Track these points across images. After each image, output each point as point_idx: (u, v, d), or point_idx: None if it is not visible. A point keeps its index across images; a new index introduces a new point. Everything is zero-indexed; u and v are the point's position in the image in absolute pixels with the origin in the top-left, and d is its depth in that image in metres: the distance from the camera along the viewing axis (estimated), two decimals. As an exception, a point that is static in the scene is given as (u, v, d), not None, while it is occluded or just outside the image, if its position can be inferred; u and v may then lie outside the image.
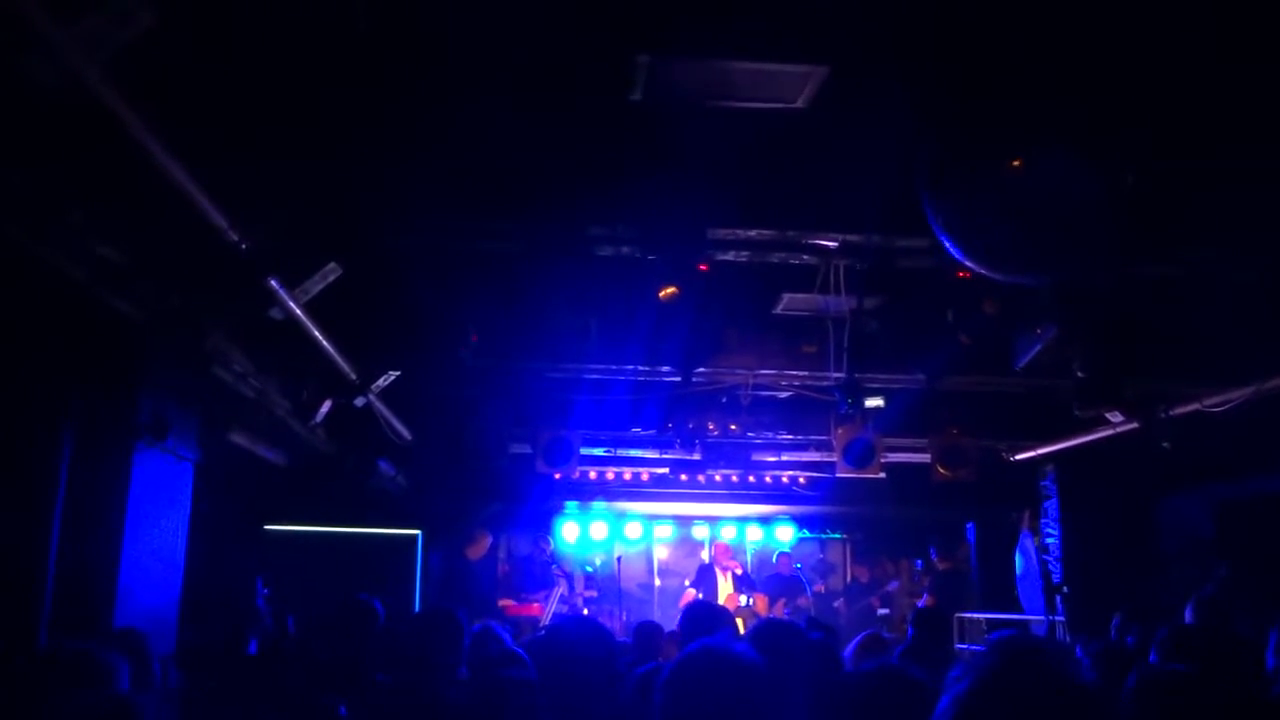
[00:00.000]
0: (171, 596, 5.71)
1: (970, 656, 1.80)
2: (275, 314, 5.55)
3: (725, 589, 12.26)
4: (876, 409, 7.60)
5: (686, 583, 13.05)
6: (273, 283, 5.11)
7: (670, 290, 5.53)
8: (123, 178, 4.02)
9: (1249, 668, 4.21)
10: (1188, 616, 6.64)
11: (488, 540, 11.61)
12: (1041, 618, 10.29)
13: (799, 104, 4.18)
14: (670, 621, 7.49)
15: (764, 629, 3.48)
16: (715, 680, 2.26)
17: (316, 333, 6.06)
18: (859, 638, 4.53)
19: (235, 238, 4.56)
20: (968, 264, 3.83)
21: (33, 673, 3.38)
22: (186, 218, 4.33)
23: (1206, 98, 4.17)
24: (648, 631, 5.85)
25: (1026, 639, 1.91)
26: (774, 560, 13.63)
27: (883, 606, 13.21)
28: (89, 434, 4.84)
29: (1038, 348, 5.84)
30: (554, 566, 12.68)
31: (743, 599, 12.54)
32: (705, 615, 4.67)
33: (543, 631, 8.17)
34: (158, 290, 4.95)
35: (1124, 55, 3.81)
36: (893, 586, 13.57)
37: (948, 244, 3.75)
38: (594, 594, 13.13)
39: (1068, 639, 9.36)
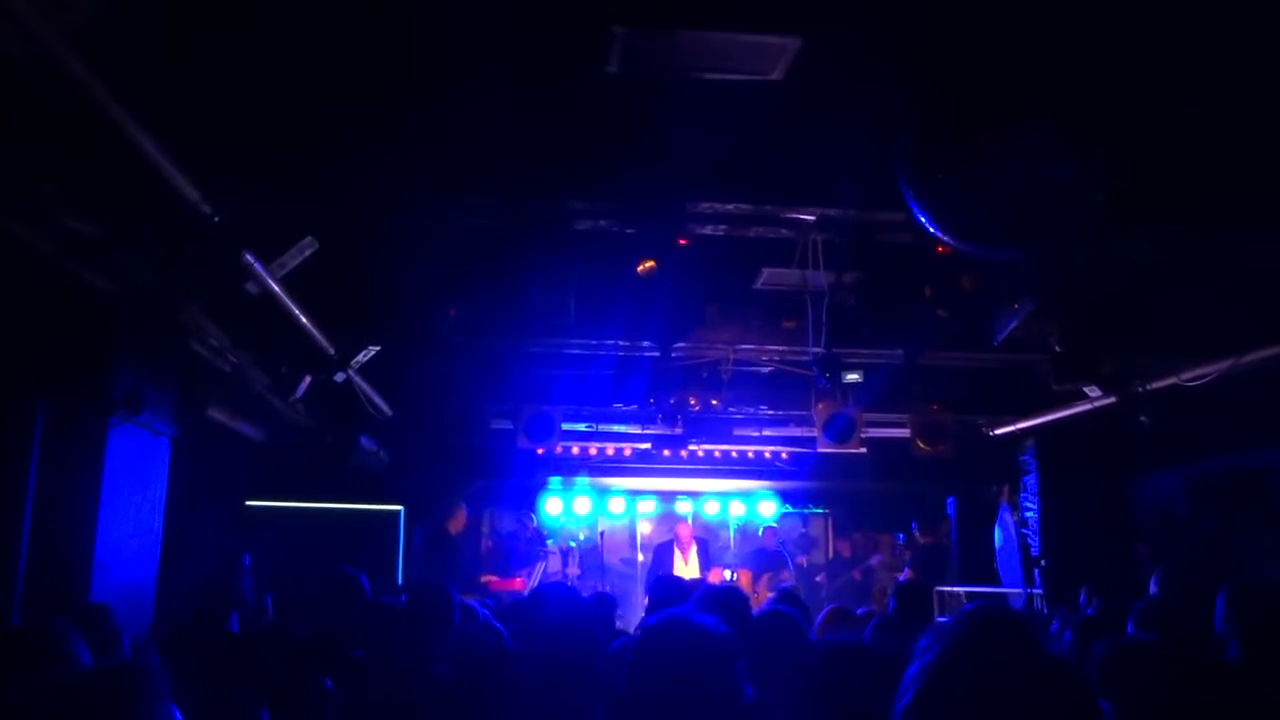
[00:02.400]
0: (149, 573, 5.69)
1: (940, 625, 1.79)
2: (251, 288, 5.51)
3: (687, 570, 12.21)
4: (855, 384, 7.61)
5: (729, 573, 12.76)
6: (248, 257, 5.07)
7: (648, 264, 5.51)
8: (93, 150, 3.97)
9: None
10: (1152, 589, 6.74)
11: (464, 512, 11.61)
12: (1020, 590, 10.40)
13: (775, 76, 4.16)
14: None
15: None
16: (680, 649, 2.29)
17: (294, 308, 6.03)
18: (824, 611, 4.56)
19: (208, 211, 4.52)
20: (944, 239, 3.84)
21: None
22: (159, 191, 4.29)
23: (1183, 74, 4.17)
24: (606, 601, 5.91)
25: (997, 608, 1.91)
26: (760, 534, 13.69)
27: (863, 580, 13.32)
28: (62, 409, 4.81)
29: (1015, 322, 5.86)
30: (547, 540, 12.72)
31: (726, 573, 12.61)
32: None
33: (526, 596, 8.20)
34: (131, 264, 4.91)
35: (1099, 32, 3.81)
36: (875, 560, 13.67)
37: (924, 219, 3.74)
38: (577, 573, 13.16)
39: (1045, 611, 9.48)
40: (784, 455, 12.17)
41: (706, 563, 12.32)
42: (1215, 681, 2.81)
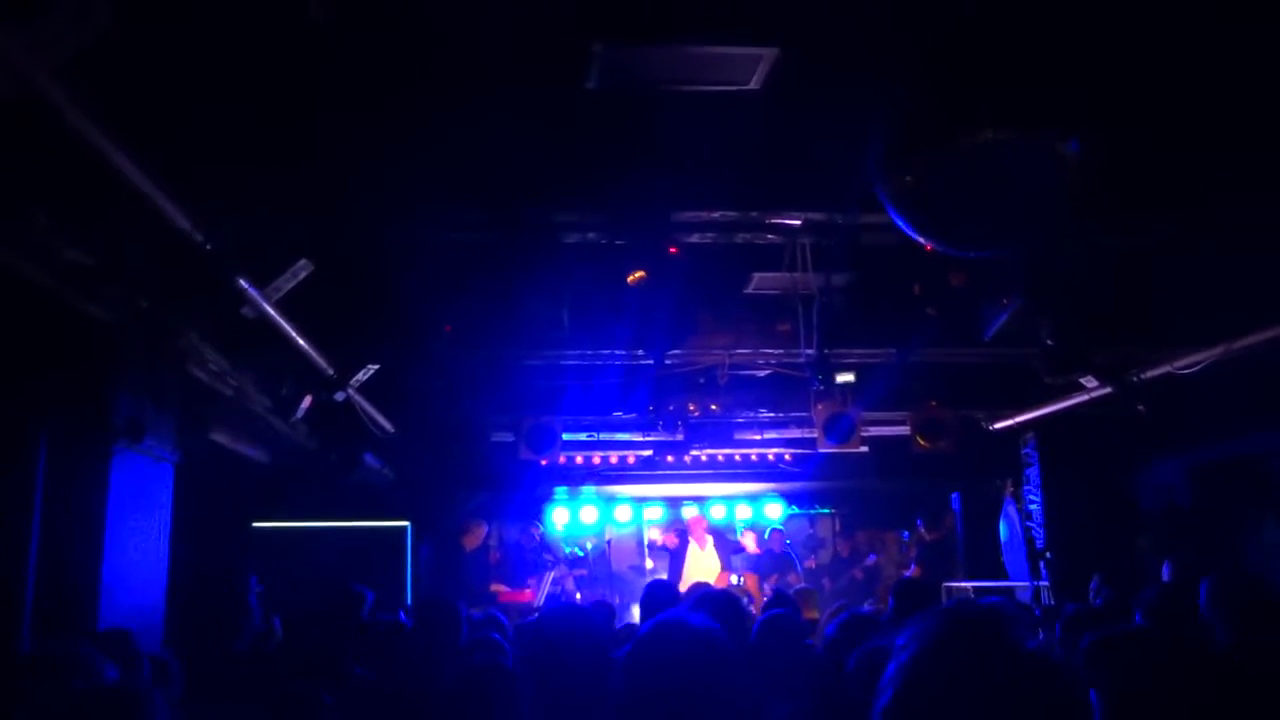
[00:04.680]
0: (156, 597, 5.75)
1: (918, 622, 1.80)
2: (247, 313, 5.58)
3: (704, 557, 12.18)
4: (848, 384, 7.65)
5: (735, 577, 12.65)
6: (241, 282, 5.14)
7: (638, 274, 5.56)
8: (83, 182, 4.04)
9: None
10: (1165, 576, 6.77)
11: (483, 530, 11.68)
12: (1026, 584, 10.43)
13: (753, 85, 4.21)
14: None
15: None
16: (677, 651, 2.31)
17: (290, 330, 6.10)
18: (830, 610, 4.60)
19: (200, 238, 4.58)
20: (919, 240, 3.88)
21: (18, 671, 3.42)
22: (150, 220, 4.35)
23: (1160, 66, 4.21)
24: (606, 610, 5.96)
25: (976, 605, 1.94)
26: (766, 536, 13.70)
27: (865, 578, 13.33)
28: (65, 437, 4.87)
29: (1005, 317, 5.90)
30: (545, 553, 12.76)
31: (733, 578, 12.62)
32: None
33: (535, 617, 8.25)
34: (128, 292, 4.97)
35: (1072, 25, 3.85)
36: (871, 560, 13.68)
37: (899, 221, 3.79)
38: (584, 572, 13.21)
39: (1052, 603, 9.51)
40: (787, 457, 12.21)
41: (724, 552, 12.25)
42: (1200, 670, 2.84)
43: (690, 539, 12.25)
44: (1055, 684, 1.63)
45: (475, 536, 11.58)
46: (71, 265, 4.50)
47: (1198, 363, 6.88)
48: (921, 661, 1.63)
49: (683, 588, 9.66)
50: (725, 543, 12.71)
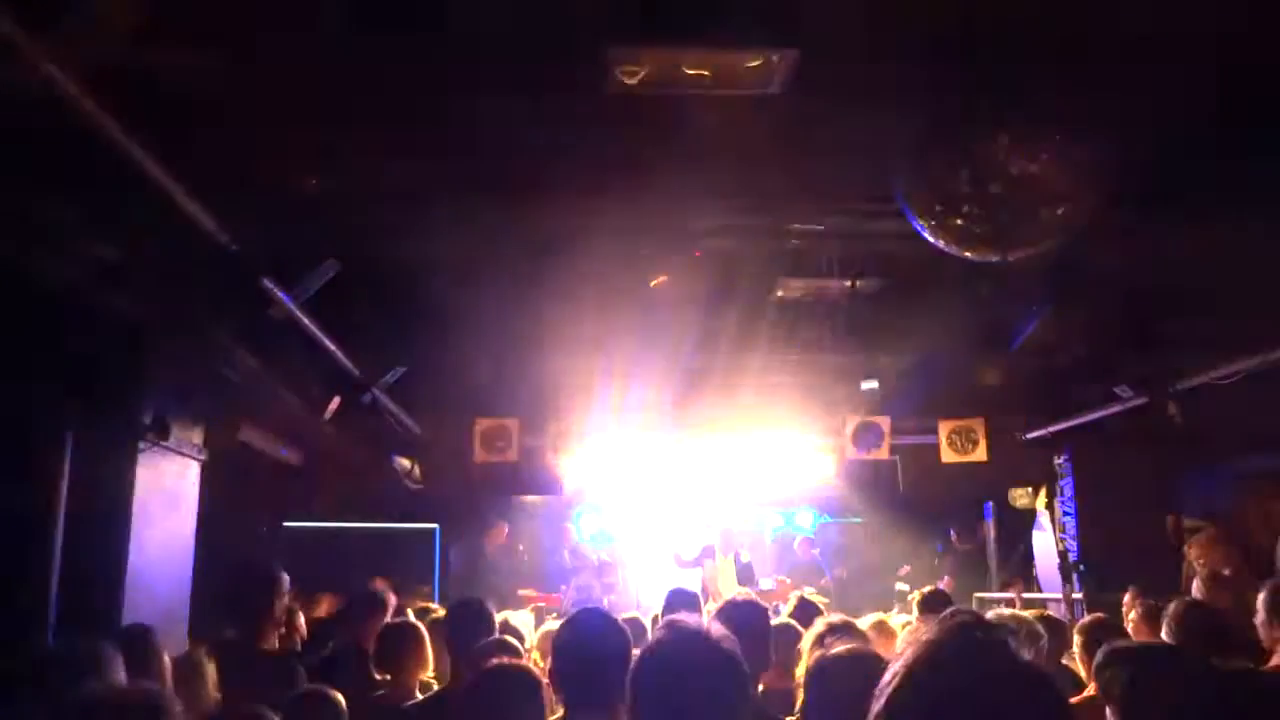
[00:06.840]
0: (182, 594, 5.81)
1: (913, 633, 1.75)
2: (275, 313, 5.63)
3: (727, 572, 12.03)
4: (884, 391, 7.56)
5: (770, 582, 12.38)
6: (267, 283, 5.19)
7: (661, 278, 5.55)
8: (110, 182, 4.10)
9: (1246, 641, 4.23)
10: (1195, 592, 6.61)
11: (505, 528, 11.71)
12: (1059, 595, 10.25)
13: (774, 89, 4.17)
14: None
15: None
16: (689, 655, 2.33)
17: (317, 331, 6.14)
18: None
19: (225, 239, 4.63)
20: (938, 245, 3.82)
21: (38, 669, 3.46)
22: (176, 220, 4.41)
23: (1185, 70, 4.13)
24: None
25: (975, 615, 1.88)
26: (795, 546, 13.60)
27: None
28: (91, 435, 4.94)
29: (1034, 325, 5.81)
30: (574, 559, 12.76)
31: (766, 583, 12.48)
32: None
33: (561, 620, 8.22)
34: (155, 291, 5.03)
35: (1093, 23, 3.78)
36: (903, 571, 13.50)
37: (916, 226, 3.74)
38: (613, 581, 13.17)
39: (1085, 616, 9.34)
40: (817, 464, 12.08)
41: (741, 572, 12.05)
42: (1217, 690, 2.78)
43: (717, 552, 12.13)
44: (1053, 700, 1.58)
45: (498, 534, 11.62)
46: (99, 263, 4.57)
47: (1234, 373, 6.74)
48: (914, 673, 1.58)
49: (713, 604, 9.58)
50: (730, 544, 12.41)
